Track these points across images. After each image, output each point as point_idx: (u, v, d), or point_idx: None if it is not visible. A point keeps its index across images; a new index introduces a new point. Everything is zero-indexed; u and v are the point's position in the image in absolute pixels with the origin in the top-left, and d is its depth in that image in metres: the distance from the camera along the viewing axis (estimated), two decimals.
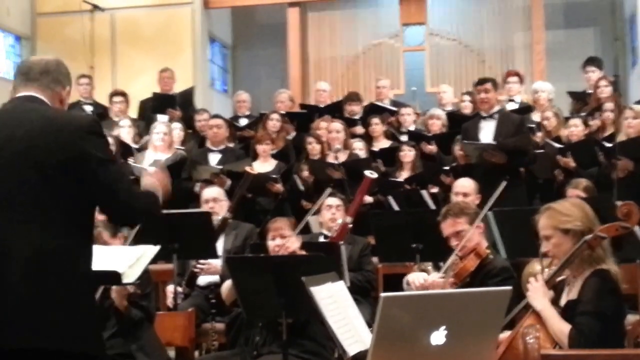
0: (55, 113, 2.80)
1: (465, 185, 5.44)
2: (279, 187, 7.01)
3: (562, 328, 3.11)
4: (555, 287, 3.34)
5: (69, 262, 2.64)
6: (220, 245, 5.44)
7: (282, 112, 8.47)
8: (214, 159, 7.21)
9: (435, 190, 6.97)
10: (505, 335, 3.25)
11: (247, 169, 6.12)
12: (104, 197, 2.73)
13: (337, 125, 7.37)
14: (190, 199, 6.85)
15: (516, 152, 6.24)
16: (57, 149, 2.64)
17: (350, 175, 6.62)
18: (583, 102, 8.08)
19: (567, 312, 3.18)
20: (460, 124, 7.34)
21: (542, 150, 6.94)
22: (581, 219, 3.24)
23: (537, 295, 3.22)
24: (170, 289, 5.30)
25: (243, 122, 8.87)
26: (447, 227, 4.20)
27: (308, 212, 5.86)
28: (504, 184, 4.64)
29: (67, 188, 2.65)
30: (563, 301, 3.26)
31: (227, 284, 4.47)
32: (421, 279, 4.23)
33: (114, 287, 4.37)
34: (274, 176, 7.00)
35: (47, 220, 2.62)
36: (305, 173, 7.13)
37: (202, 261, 5.36)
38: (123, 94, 8.74)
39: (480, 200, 5.18)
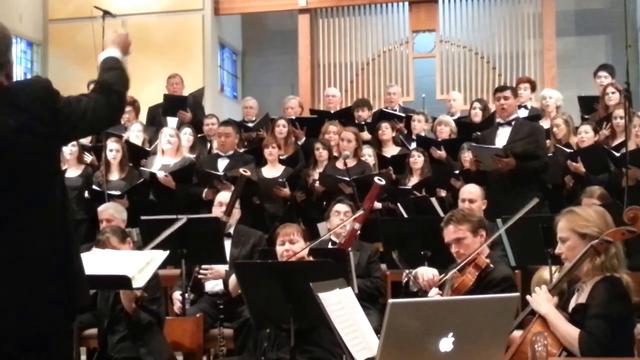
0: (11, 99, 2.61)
1: (471, 192, 5.43)
2: (286, 191, 7.00)
3: (569, 331, 3.11)
4: (564, 293, 3.33)
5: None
6: (227, 252, 5.43)
7: (292, 117, 8.48)
8: (222, 164, 7.22)
9: (443, 194, 6.97)
10: (515, 334, 3.25)
11: (241, 170, 6.13)
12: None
13: (350, 134, 7.28)
14: (200, 204, 6.86)
15: (526, 157, 6.24)
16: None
17: (360, 188, 6.60)
18: (591, 109, 8.04)
19: (575, 316, 3.18)
20: (469, 131, 7.34)
21: (550, 154, 6.92)
22: (599, 226, 3.24)
23: (541, 300, 3.22)
24: (175, 295, 5.31)
25: None
26: (449, 234, 4.15)
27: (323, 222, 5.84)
28: (535, 200, 4.54)
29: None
30: (572, 305, 3.25)
31: (234, 277, 4.48)
32: (430, 274, 4.19)
33: (122, 291, 4.39)
34: (280, 180, 7.00)
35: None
36: (316, 183, 7.10)
37: (204, 266, 5.36)
38: (132, 103, 8.71)
39: (486, 206, 5.16)
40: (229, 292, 5.09)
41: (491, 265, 4.02)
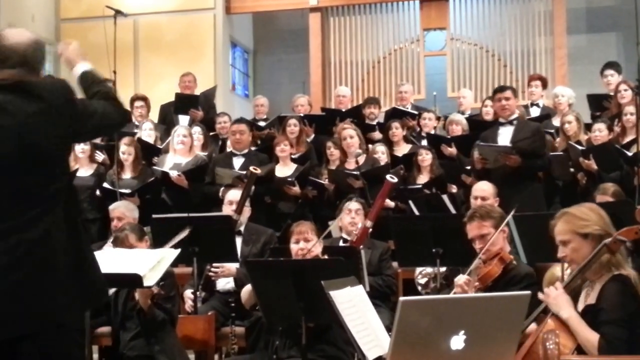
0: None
1: (484, 189, 5.43)
2: (296, 189, 7.00)
3: (589, 338, 3.08)
4: (573, 290, 3.32)
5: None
6: (238, 250, 5.44)
7: (301, 114, 8.47)
8: (237, 163, 7.22)
9: (454, 189, 6.96)
10: (532, 327, 3.24)
11: (251, 168, 6.14)
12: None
13: (350, 131, 7.31)
14: (214, 202, 6.87)
15: (531, 155, 6.29)
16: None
17: (370, 182, 6.61)
18: (600, 107, 8.00)
19: (585, 317, 3.16)
20: (480, 129, 7.31)
21: (561, 153, 6.91)
22: (599, 223, 3.24)
23: (562, 304, 3.19)
24: (187, 293, 5.32)
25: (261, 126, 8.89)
26: (473, 229, 4.18)
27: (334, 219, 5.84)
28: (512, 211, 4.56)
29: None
30: (580, 305, 3.24)
31: (247, 288, 4.46)
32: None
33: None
34: (289, 179, 7.00)
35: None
36: (326, 180, 7.10)
37: (215, 264, 5.37)
38: (144, 99, 8.78)
39: (498, 203, 5.16)
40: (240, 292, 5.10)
41: (514, 262, 4.10)
